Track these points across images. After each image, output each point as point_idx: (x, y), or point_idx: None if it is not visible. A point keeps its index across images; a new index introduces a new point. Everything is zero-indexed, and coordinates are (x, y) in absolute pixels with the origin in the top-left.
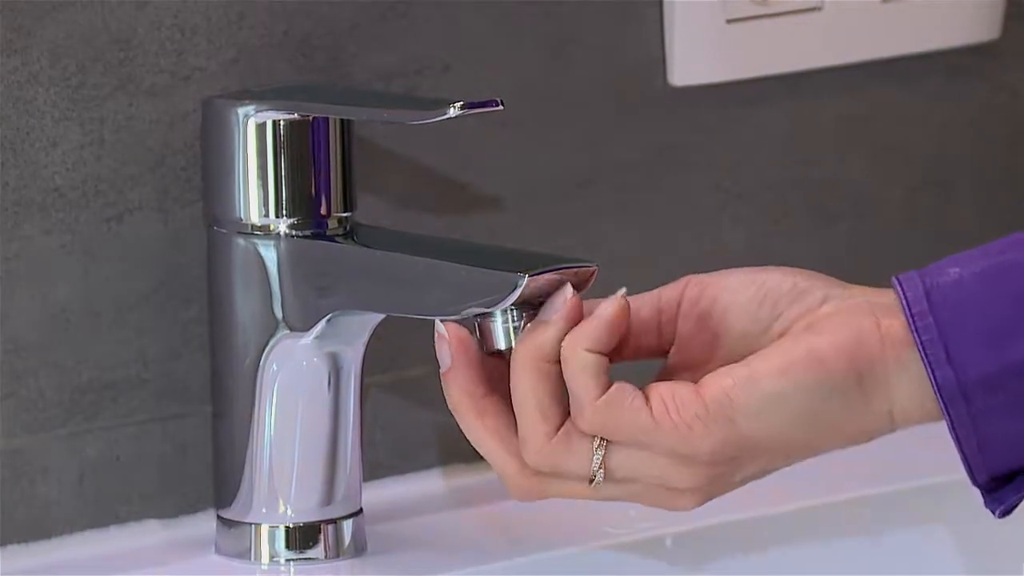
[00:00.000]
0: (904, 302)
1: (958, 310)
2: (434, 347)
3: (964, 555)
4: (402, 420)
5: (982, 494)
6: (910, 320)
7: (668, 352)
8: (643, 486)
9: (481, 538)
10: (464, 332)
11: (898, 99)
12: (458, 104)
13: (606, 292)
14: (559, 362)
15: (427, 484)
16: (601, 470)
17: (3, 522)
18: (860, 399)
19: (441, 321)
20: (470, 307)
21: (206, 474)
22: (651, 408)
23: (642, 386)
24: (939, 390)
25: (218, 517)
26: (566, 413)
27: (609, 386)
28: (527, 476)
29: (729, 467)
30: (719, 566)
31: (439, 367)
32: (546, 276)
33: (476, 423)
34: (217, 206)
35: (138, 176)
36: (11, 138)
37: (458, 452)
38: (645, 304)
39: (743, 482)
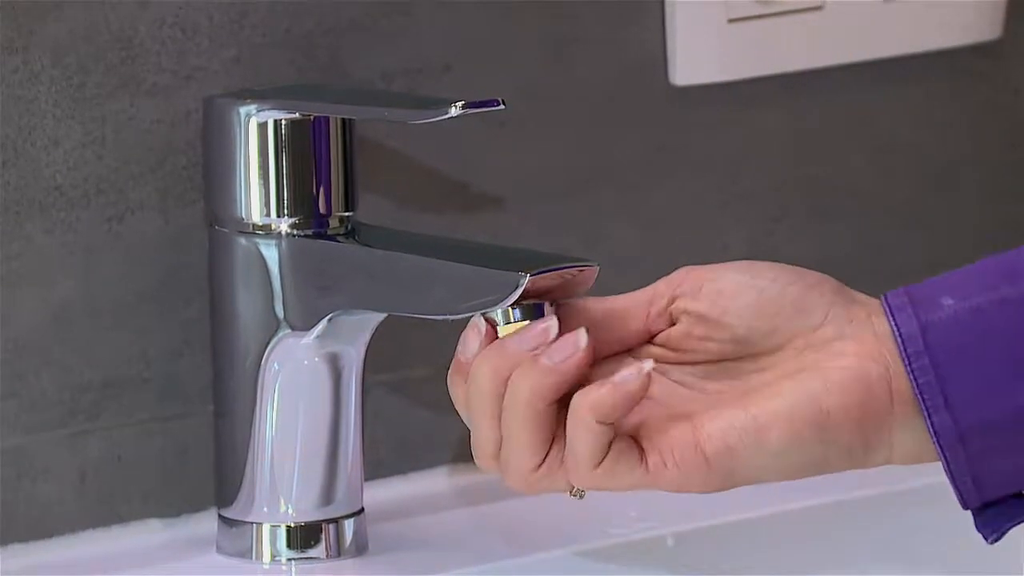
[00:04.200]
0: (899, 341)
1: (955, 352)
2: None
3: (964, 555)
4: (404, 419)
5: (973, 517)
6: (905, 360)
7: (650, 341)
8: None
9: (482, 538)
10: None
11: (900, 98)
12: (459, 103)
13: (606, 292)
14: (555, 401)
15: (429, 483)
16: (582, 491)
17: (4, 521)
18: (862, 456)
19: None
20: (471, 306)
21: (207, 473)
22: (647, 464)
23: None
24: (937, 436)
25: (219, 516)
26: (551, 442)
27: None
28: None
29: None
30: (719, 566)
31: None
32: (547, 275)
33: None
34: (218, 205)
35: (139, 175)
36: (12, 137)
37: (460, 452)
38: (638, 303)
39: None
